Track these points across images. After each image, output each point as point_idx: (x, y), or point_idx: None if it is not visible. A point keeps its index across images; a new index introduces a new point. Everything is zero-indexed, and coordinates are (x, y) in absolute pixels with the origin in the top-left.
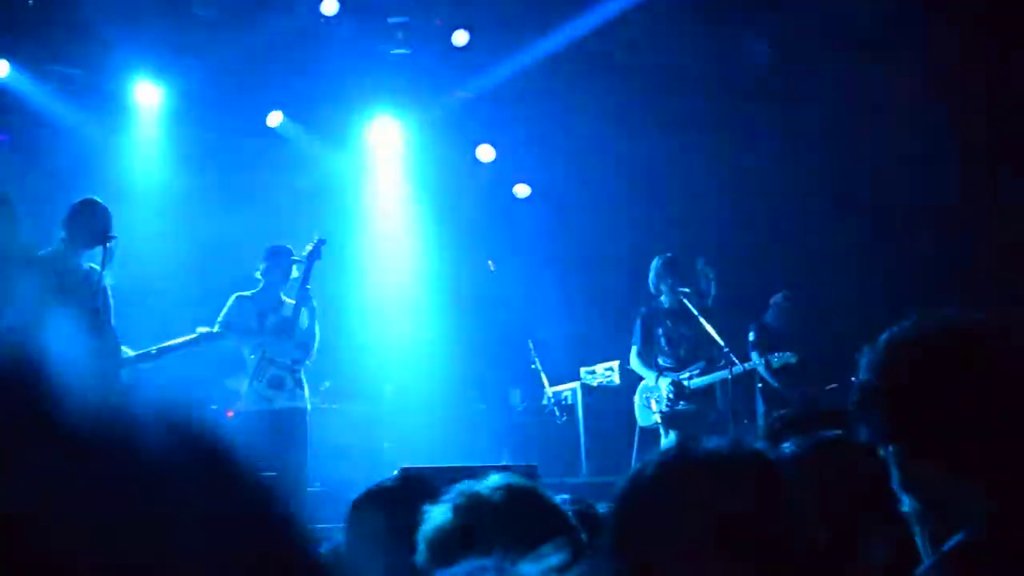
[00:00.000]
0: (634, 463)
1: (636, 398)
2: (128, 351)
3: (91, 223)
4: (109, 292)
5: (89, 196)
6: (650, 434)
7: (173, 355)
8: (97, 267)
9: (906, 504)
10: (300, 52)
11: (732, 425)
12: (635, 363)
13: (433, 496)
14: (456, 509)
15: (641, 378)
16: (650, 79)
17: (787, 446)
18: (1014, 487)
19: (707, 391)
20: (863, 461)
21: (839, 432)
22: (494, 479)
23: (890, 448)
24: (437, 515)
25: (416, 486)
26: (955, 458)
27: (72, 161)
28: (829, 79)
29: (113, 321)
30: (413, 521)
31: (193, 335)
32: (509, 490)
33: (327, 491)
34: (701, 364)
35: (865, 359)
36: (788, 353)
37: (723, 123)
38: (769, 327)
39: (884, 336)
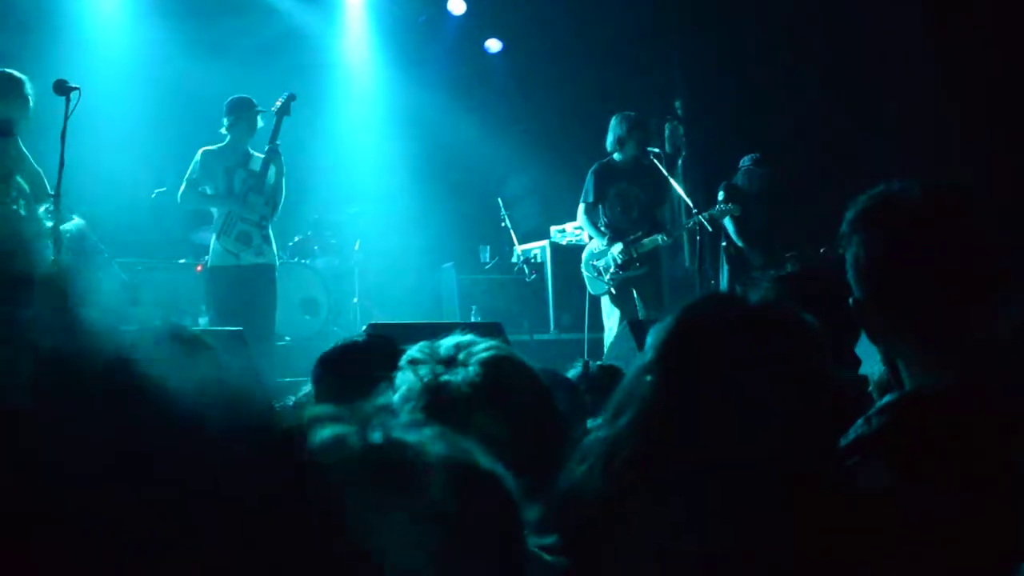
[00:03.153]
0: (586, 329)
1: (583, 269)
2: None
3: (22, 102)
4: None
5: (6, 71)
6: (600, 301)
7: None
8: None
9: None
10: None
11: (699, 283)
12: (582, 219)
13: (398, 354)
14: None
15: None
16: None
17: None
18: (967, 350)
19: (654, 251)
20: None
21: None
22: (480, 347)
23: (858, 298)
24: (421, 387)
25: (382, 343)
26: (914, 317)
27: (27, 13)
28: None
29: (58, 174)
30: (378, 378)
31: None
32: (494, 363)
33: (295, 345)
34: (646, 227)
35: (849, 213)
36: (731, 205)
37: None
38: (738, 188)
39: (864, 195)
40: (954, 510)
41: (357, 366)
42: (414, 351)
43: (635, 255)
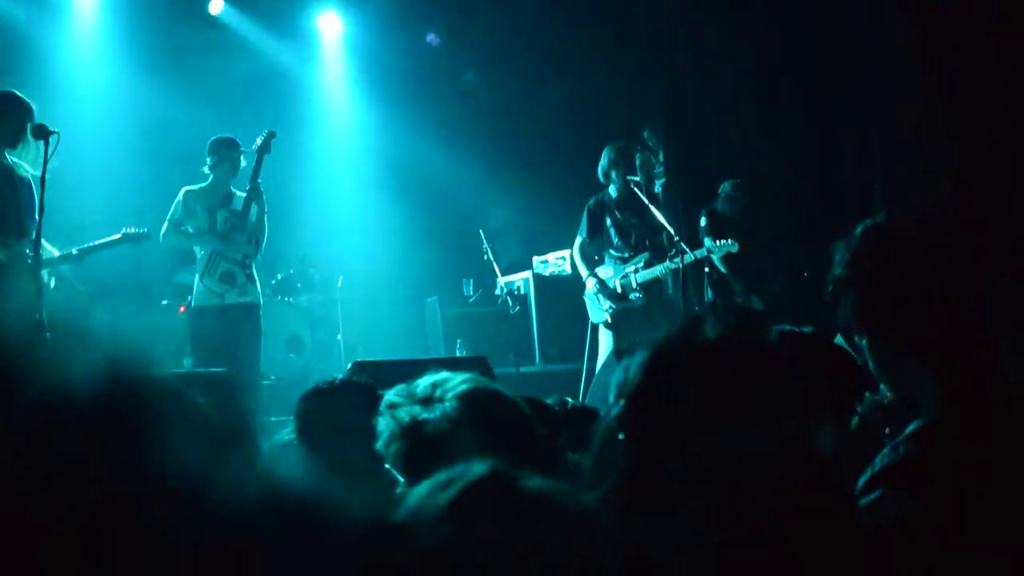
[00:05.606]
0: (587, 358)
1: (585, 296)
2: (52, 250)
3: (12, 119)
4: (34, 187)
5: (8, 89)
6: (599, 329)
7: (101, 254)
8: (21, 163)
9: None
10: None
11: (683, 312)
12: (576, 255)
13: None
14: (419, 419)
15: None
16: None
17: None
18: (974, 375)
19: (655, 281)
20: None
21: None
22: (455, 382)
23: (864, 337)
24: (402, 429)
25: (368, 381)
26: (922, 347)
27: (6, 51)
28: None
29: (38, 218)
30: (364, 415)
31: (116, 236)
32: (471, 396)
33: (281, 384)
34: (645, 255)
35: (840, 253)
36: (729, 241)
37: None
38: (719, 214)
39: (858, 229)
40: (987, 541)
41: (342, 407)
42: (391, 395)
43: (635, 284)
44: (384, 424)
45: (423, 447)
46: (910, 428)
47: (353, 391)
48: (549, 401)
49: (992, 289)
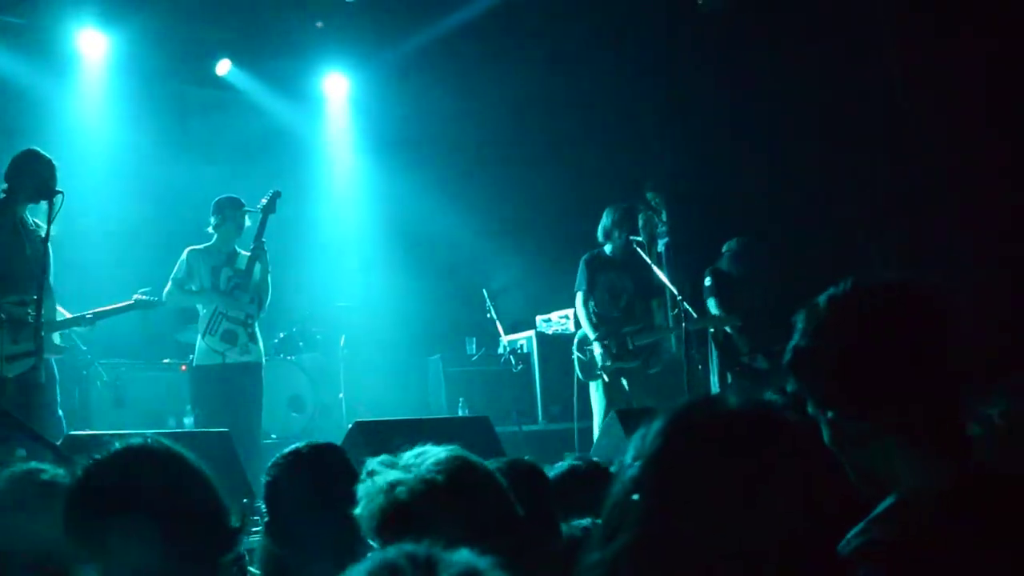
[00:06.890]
0: (576, 416)
1: (575, 351)
2: (64, 312)
3: (35, 175)
4: (50, 248)
5: (32, 147)
6: (589, 387)
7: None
8: (42, 223)
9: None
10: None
11: (687, 370)
12: (580, 309)
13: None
14: (397, 490)
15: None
16: (594, 21)
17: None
18: (952, 447)
19: (651, 344)
20: None
21: None
22: (436, 451)
23: (828, 411)
24: (378, 492)
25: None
26: (896, 420)
27: (15, 112)
28: None
29: (51, 279)
30: (326, 481)
31: (128, 302)
32: (447, 462)
33: (282, 443)
34: (639, 319)
35: (803, 323)
36: (732, 316)
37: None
38: (725, 274)
39: (822, 299)
40: None
41: (301, 475)
42: (374, 463)
43: (631, 347)
44: (363, 489)
45: (397, 511)
46: (883, 505)
47: (311, 458)
48: (569, 460)
49: (961, 357)
